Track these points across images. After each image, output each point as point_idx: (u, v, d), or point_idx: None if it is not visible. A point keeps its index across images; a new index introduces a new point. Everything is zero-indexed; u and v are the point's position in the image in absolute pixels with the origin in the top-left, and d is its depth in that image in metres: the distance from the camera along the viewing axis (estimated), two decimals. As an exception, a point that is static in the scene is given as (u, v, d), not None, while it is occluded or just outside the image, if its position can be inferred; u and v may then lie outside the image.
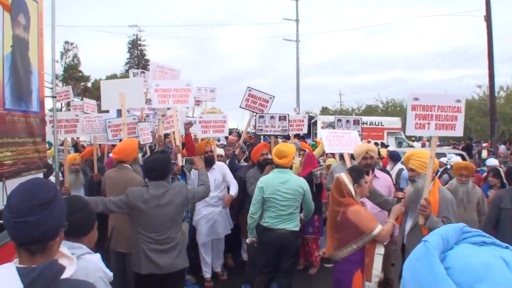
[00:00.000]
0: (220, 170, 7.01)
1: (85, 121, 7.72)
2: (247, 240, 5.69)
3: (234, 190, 6.95)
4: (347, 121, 8.22)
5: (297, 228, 5.43)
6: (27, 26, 4.68)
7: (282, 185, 5.28)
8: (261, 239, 5.45)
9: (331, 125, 8.96)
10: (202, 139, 7.82)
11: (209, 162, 6.74)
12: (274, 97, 8.36)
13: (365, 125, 18.26)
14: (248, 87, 8.50)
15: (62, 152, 7.23)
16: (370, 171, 5.38)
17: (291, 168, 5.62)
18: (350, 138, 6.71)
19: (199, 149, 6.94)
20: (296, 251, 5.64)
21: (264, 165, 6.55)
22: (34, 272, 1.73)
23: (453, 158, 10.92)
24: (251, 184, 6.51)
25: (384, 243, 4.39)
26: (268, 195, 5.30)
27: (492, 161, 9.93)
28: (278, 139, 9.10)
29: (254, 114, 8.35)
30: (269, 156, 6.53)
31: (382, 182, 5.65)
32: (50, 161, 6.75)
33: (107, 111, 8.62)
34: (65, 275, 1.83)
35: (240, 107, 8.44)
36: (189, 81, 6.45)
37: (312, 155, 7.81)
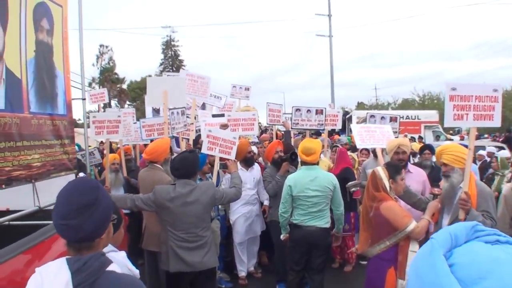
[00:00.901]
0: (259, 170, 7.08)
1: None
2: (281, 237, 5.62)
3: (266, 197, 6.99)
4: (382, 117, 7.78)
5: (327, 225, 5.34)
6: (50, 30, 4.74)
7: (311, 182, 5.20)
8: (291, 236, 5.41)
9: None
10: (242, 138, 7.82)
11: (250, 162, 6.85)
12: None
13: (401, 119, 17.91)
14: (267, 102, 8.50)
15: (93, 154, 7.36)
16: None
17: (317, 164, 5.50)
18: (383, 133, 6.49)
19: (241, 149, 6.85)
20: (327, 248, 5.56)
21: (280, 163, 6.46)
22: (80, 261, 1.82)
23: (501, 152, 10.30)
24: (268, 183, 6.47)
25: (419, 240, 4.22)
26: (297, 193, 5.23)
27: (504, 153, 9.41)
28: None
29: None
30: (282, 154, 6.48)
31: (416, 177, 5.50)
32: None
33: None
34: (112, 268, 1.88)
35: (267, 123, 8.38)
36: (235, 135, 6.39)
37: (344, 150, 7.68)
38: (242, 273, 6.95)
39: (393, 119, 7.72)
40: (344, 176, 6.97)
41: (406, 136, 11.55)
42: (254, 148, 8.22)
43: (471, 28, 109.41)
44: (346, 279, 7.05)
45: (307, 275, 5.48)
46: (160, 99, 6.89)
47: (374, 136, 6.40)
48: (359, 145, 6.75)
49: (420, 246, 4.21)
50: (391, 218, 4.14)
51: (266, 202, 6.98)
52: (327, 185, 5.24)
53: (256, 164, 7.20)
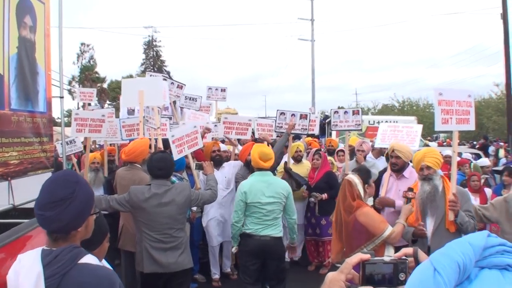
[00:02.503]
0: (234, 166, 7.01)
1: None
2: (233, 250, 5.42)
3: None
4: (345, 112, 7.88)
5: (281, 234, 5.18)
6: (33, 27, 4.72)
7: (265, 189, 5.04)
8: (244, 247, 5.17)
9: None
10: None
11: (217, 162, 6.74)
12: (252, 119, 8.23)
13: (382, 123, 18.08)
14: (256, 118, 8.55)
15: (74, 142, 7.27)
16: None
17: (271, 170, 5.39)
18: (408, 133, 6.36)
19: (206, 149, 6.90)
20: (283, 257, 5.43)
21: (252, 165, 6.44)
22: (52, 254, 1.89)
23: (480, 160, 10.49)
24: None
25: (395, 245, 4.33)
26: (251, 200, 5.03)
27: (483, 162, 9.61)
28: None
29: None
30: None
31: (409, 182, 5.33)
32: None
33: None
34: (86, 260, 1.92)
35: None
36: (195, 123, 6.39)
37: (325, 154, 7.76)
38: (216, 276, 6.97)
39: (355, 112, 7.80)
40: (328, 180, 7.05)
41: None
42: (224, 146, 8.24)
43: (452, 37, 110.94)
44: (321, 281, 7.09)
45: (267, 286, 5.34)
46: (136, 100, 6.84)
47: (397, 136, 6.33)
48: (377, 144, 6.75)
49: (396, 250, 4.29)
50: (369, 224, 4.22)
51: None
52: (282, 191, 5.11)
53: (229, 163, 7.13)
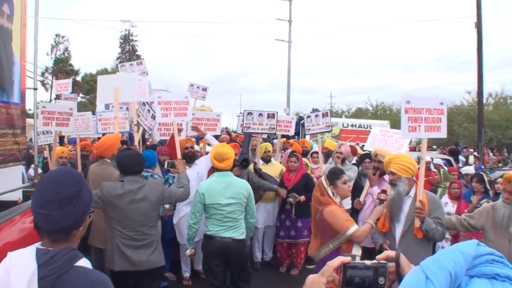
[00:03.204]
0: (204, 165, 6.86)
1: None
2: (187, 252, 5.43)
3: None
4: (316, 115, 8.17)
5: (243, 236, 5.13)
6: (10, 16, 4.63)
7: (224, 190, 5.00)
8: (205, 248, 5.16)
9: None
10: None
11: (190, 158, 6.66)
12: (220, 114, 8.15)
13: (353, 128, 18.29)
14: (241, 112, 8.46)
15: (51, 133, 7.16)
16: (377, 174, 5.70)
17: (231, 170, 5.34)
18: (398, 140, 6.50)
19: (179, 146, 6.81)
20: (246, 258, 5.44)
21: (232, 167, 6.35)
22: (48, 254, 1.83)
23: (465, 168, 10.75)
24: None
25: (361, 244, 4.47)
26: (210, 202, 4.98)
27: (468, 169, 9.87)
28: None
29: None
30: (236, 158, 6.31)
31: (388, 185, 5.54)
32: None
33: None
34: (81, 263, 1.89)
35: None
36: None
37: (301, 157, 7.78)
38: (186, 274, 6.94)
39: (324, 115, 7.95)
40: (305, 182, 7.10)
41: (358, 144, 11.78)
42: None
43: (427, 43, 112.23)
44: (292, 282, 7.14)
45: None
46: (112, 96, 6.77)
47: (387, 142, 6.48)
48: (367, 147, 6.87)
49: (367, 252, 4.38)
50: (333, 222, 4.33)
51: None
52: (242, 191, 5.07)
53: (201, 160, 6.97)
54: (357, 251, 4.41)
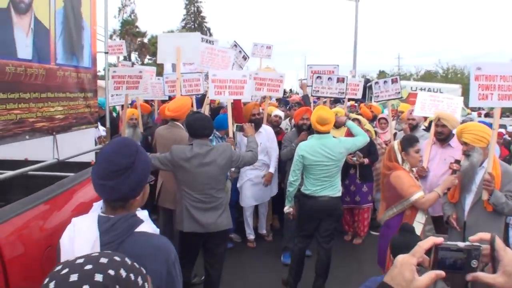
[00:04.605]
0: (268, 135, 6.91)
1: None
2: (285, 210, 5.51)
3: (273, 165, 6.92)
4: (385, 81, 7.79)
5: (339, 194, 5.31)
6: (79, -19, 4.68)
7: (324, 150, 5.12)
8: (303, 207, 5.35)
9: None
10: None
11: (256, 125, 6.55)
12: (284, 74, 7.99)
13: (422, 91, 17.64)
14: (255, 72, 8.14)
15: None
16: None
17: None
18: (449, 104, 6.26)
19: (246, 111, 6.83)
20: (339, 216, 5.64)
21: (302, 130, 6.42)
22: (109, 222, 1.91)
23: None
24: (285, 147, 6.45)
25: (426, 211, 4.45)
26: (309, 163, 5.16)
27: None
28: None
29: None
30: (309, 122, 6.15)
31: (456, 152, 5.25)
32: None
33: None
34: (143, 228, 1.96)
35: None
36: (245, 72, 6.24)
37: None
38: (251, 236, 7.07)
39: (394, 81, 7.61)
40: (369, 146, 6.95)
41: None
42: (280, 112, 8.13)
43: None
44: (356, 250, 7.09)
45: (317, 243, 5.44)
46: (173, 55, 6.78)
47: (438, 106, 6.20)
48: (417, 112, 6.62)
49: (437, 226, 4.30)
50: (398, 187, 4.37)
51: (271, 170, 6.89)
52: (341, 150, 5.18)
53: (266, 128, 7.01)
54: (421, 218, 4.40)
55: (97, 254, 1.28)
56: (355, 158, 6.85)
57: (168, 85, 8.04)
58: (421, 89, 18.36)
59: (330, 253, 5.37)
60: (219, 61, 7.62)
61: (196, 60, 7.47)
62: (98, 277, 1.16)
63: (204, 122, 4.53)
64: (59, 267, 1.21)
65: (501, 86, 4.27)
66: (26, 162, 4.62)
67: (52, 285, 1.16)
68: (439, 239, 1.19)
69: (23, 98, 3.70)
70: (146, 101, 9.61)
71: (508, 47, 67.87)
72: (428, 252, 1.20)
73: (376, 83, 7.92)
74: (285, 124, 8.39)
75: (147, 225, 2.00)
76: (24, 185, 4.31)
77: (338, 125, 5.38)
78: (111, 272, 1.19)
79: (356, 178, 7.10)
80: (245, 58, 9.44)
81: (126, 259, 1.29)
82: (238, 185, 6.87)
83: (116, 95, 8.37)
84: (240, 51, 9.26)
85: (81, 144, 4.95)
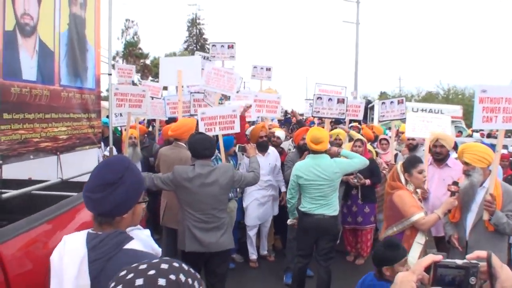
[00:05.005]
0: (275, 156, 7.04)
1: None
2: (288, 222, 5.68)
3: (283, 184, 7.06)
4: (391, 102, 7.90)
5: (336, 213, 5.35)
6: (84, 3, 4.78)
7: (318, 170, 5.19)
8: (300, 223, 5.46)
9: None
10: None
11: (263, 147, 6.79)
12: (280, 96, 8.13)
13: (424, 112, 17.71)
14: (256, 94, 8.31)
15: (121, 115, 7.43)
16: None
17: (325, 152, 5.45)
18: (439, 124, 6.38)
19: (253, 133, 6.92)
20: (336, 235, 5.69)
21: (303, 150, 6.48)
22: (97, 238, 1.92)
23: None
24: (288, 168, 6.48)
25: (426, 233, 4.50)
26: (304, 182, 5.26)
27: None
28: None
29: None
30: None
31: (452, 172, 5.38)
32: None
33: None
34: (131, 246, 1.94)
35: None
36: (234, 107, 6.32)
37: (366, 142, 7.62)
38: (253, 256, 7.05)
39: (400, 102, 7.69)
40: (371, 167, 6.97)
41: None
42: (281, 133, 8.19)
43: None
44: (358, 271, 7.04)
45: (316, 261, 5.47)
46: (174, 79, 6.89)
47: (428, 127, 6.29)
48: (408, 134, 6.70)
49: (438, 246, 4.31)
50: (400, 206, 4.41)
51: (283, 189, 6.99)
52: (335, 171, 5.22)
53: (273, 149, 7.14)
54: (420, 239, 4.41)
55: (158, 260, 1.34)
56: (355, 180, 6.86)
57: (169, 107, 8.11)
58: (422, 110, 18.48)
59: (330, 271, 5.38)
60: (224, 82, 7.66)
61: (197, 82, 7.56)
62: (161, 282, 1.23)
63: (205, 143, 4.57)
64: (123, 273, 1.29)
65: (506, 109, 4.30)
66: (30, 182, 4.66)
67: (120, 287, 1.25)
68: (438, 257, 1.23)
69: (28, 119, 3.77)
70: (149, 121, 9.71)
71: (507, 70, 68.05)
72: (427, 269, 1.23)
73: (383, 103, 8.01)
74: (287, 145, 8.42)
75: (137, 243, 1.99)
76: (27, 205, 4.34)
77: (331, 156, 5.44)
78: (172, 277, 1.26)
79: (358, 198, 7.08)
80: (232, 46, 9.34)
81: (183, 265, 1.35)
82: (244, 205, 6.91)
83: (120, 115, 8.43)
84: (222, 46, 9.21)
85: (85, 164, 4.99)
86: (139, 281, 1.23)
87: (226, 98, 9.27)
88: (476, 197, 4.39)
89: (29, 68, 3.76)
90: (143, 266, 1.29)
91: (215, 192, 4.48)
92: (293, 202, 5.45)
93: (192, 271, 1.36)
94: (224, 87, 7.57)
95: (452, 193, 4.43)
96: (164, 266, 1.30)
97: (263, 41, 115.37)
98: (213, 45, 10.08)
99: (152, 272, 1.26)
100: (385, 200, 4.83)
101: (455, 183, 4.45)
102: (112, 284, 1.26)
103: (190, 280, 1.31)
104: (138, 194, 2.09)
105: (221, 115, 6.02)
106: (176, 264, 1.33)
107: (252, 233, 6.99)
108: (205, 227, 4.47)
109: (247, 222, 6.94)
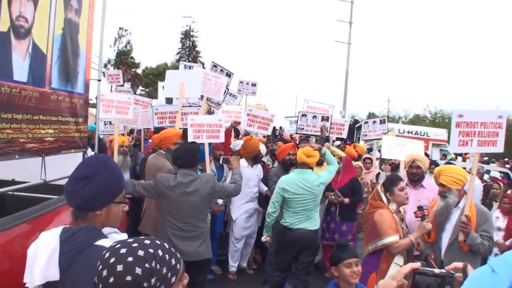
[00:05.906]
0: (260, 168, 7.24)
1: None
2: (262, 239, 5.68)
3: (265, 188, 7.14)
4: (374, 121, 8.18)
5: (317, 227, 5.49)
6: (79, 10, 4.86)
7: (303, 184, 5.33)
8: (281, 238, 5.50)
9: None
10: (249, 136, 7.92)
11: (257, 160, 7.12)
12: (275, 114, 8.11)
13: (410, 134, 17.96)
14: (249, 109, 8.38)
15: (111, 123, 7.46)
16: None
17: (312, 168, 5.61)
18: (413, 147, 6.62)
19: (253, 148, 7.03)
20: (316, 249, 5.73)
21: (289, 165, 6.57)
22: (69, 232, 1.97)
23: None
24: (273, 182, 6.53)
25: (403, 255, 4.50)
26: (289, 195, 5.35)
27: None
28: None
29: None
30: (294, 157, 6.31)
31: (427, 192, 5.47)
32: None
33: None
34: (102, 243, 1.96)
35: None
36: (221, 117, 6.47)
37: (349, 160, 7.71)
38: (233, 268, 7.07)
39: (382, 121, 7.89)
40: (353, 186, 7.04)
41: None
42: (263, 147, 8.28)
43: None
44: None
45: (294, 275, 5.52)
46: (177, 90, 7.00)
47: (403, 150, 6.49)
48: (385, 155, 6.91)
49: (410, 259, 4.35)
50: (378, 224, 4.43)
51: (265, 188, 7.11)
52: (318, 183, 5.38)
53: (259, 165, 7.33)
54: (398, 260, 4.43)
55: (143, 237, 1.55)
56: (333, 197, 6.94)
57: (157, 116, 8.10)
58: (408, 132, 18.69)
59: (308, 286, 5.44)
60: (212, 86, 7.70)
61: (197, 95, 7.67)
62: (140, 253, 1.45)
63: (187, 152, 4.64)
64: (110, 246, 1.54)
65: (481, 133, 4.39)
66: (12, 182, 4.68)
67: (107, 255, 1.49)
68: (417, 264, 1.32)
69: (16, 119, 3.81)
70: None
71: (495, 97, 69.05)
72: (407, 276, 1.31)
73: (366, 122, 8.24)
74: (266, 160, 8.52)
75: (108, 242, 1.96)
76: (9, 204, 4.35)
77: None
78: (151, 250, 1.47)
79: (336, 216, 7.14)
80: (229, 75, 9.45)
81: (165, 244, 1.55)
82: (234, 217, 6.97)
83: (110, 123, 8.45)
84: (222, 70, 9.29)
85: (69, 167, 5.00)
86: (123, 250, 1.46)
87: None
88: (451, 217, 4.48)
89: (20, 69, 3.81)
90: (130, 240, 1.53)
91: (195, 201, 4.53)
92: (274, 216, 5.46)
93: (173, 250, 1.54)
94: (211, 91, 7.63)
95: (422, 218, 4.51)
96: (147, 241, 1.50)
97: (255, 57, 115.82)
98: (240, 82, 10.30)
99: (135, 244, 1.48)
100: (366, 218, 4.86)
101: (420, 208, 4.54)
102: (100, 267, 1.47)
103: (167, 256, 1.49)
104: (113, 192, 2.11)
105: (209, 123, 6.11)
106: (158, 242, 1.52)
107: (239, 245, 7.04)
108: (184, 235, 4.52)
109: (236, 235, 6.99)
